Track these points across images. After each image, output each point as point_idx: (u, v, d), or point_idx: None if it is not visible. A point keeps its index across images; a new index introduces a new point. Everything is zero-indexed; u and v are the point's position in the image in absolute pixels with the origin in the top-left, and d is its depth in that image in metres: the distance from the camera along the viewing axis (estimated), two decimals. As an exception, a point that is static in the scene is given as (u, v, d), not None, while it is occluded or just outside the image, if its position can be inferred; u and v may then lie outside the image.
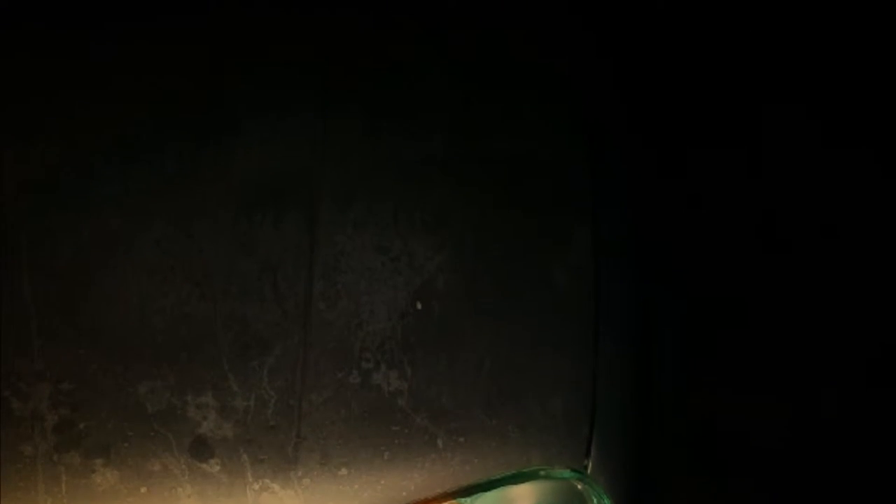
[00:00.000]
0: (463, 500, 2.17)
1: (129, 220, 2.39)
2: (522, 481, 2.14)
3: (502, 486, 2.25)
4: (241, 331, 2.37)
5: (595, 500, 1.87)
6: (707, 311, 2.48)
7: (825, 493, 2.22)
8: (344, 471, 2.37)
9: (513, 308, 2.42)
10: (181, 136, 2.39)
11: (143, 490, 2.32)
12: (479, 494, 2.17)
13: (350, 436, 2.39)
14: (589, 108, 2.54)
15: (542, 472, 2.18)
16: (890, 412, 2.09)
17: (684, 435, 2.47)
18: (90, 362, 2.37)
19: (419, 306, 2.39)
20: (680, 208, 2.54)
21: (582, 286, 2.46)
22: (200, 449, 2.36)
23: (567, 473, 2.15)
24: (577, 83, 2.55)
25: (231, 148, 2.40)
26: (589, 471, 2.32)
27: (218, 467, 2.36)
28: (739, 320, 2.43)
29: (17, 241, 2.37)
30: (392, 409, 2.35)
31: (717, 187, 2.51)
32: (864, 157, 2.26)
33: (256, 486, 2.36)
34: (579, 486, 1.98)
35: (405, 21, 2.50)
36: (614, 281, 2.52)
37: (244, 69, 2.41)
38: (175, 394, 2.36)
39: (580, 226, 2.47)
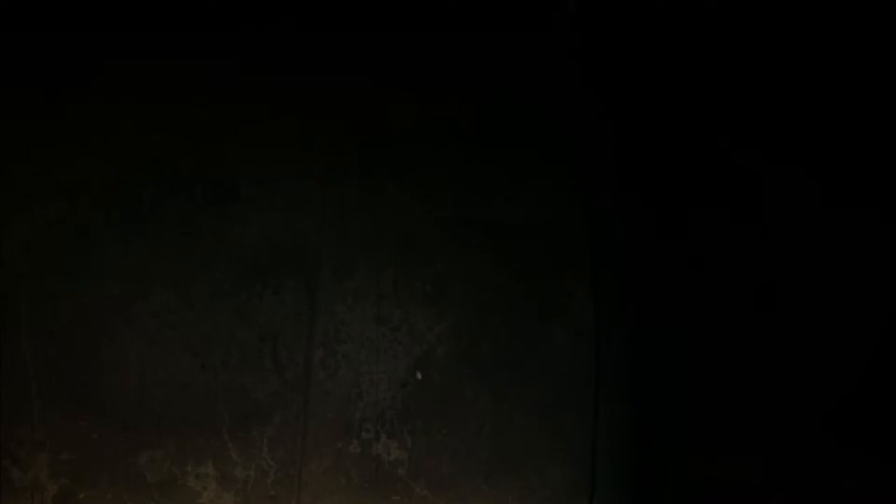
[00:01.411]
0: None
1: (129, 287, 2.38)
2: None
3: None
4: (241, 400, 2.37)
5: None
6: (706, 374, 2.48)
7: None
8: (344, 541, 2.39)
9: (512, 374, 2.42)
10: (181, 201, 2.38)
11: (144, 559, 2.33)
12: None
13: (350, 506, 2.40)
14: (589, 170, 2.53)
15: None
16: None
17: (684, 499, 2.47)
18: (90, 432, 2.37)
19: (419, 376, 2.39)
20: (679, 269, 2.53)
21: (582, 349, 2.46)
22: (201, 520, 2.37)
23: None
24: (576, 144, 2.54)
25: (231, 215, 2.39)
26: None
27: (219, 538, 2.37)
28: (739, 383, 2.43)
29: (17, 304, 2.37)
30: (392, 478, 2.36)
31: (716, 248, 2.50)
32: (867, 217, 2.25)
33: (258, 558, 2.37)
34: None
35: (405, 84, 2.48)
36: (614, 343, 2.52)
37: (244, 135, 2.40)
38: (175, 463, 2.36)
39: (580, 289, 2.46)
